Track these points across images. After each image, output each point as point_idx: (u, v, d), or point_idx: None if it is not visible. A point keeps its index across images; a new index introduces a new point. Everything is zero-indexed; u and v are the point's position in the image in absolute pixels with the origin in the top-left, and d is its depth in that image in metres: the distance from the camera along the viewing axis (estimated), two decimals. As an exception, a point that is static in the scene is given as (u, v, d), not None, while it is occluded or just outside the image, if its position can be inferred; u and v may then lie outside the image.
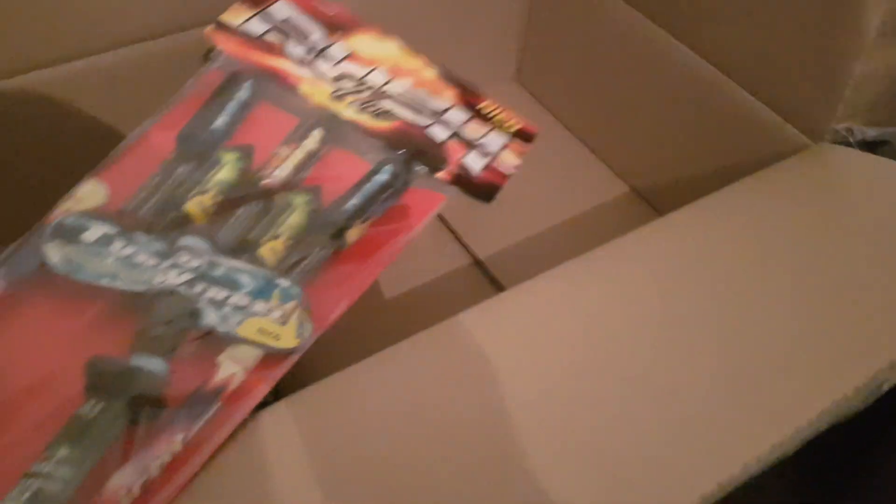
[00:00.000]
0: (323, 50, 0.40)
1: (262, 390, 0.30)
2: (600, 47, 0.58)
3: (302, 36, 0.40)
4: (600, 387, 0.33)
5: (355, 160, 0.37)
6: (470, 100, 0.41)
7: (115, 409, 0.27)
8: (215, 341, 0.30)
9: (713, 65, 0.50)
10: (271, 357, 0.30)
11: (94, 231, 0.31)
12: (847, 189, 0.41)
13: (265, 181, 0.35)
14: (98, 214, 0.31)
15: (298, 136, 0.36)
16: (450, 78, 0.41)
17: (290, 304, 0.31)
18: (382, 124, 0.38)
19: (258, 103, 0.38)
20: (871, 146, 0.67)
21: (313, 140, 0.36)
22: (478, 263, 0.54)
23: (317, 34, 0.40)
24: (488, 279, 0.54)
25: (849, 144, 0.66)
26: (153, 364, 0.28)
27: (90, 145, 0.50)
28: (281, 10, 0.40)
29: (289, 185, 0.35)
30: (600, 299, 0.36)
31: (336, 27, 0.41)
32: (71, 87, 0.49)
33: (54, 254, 0.29)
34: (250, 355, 0.30)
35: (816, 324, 0.35)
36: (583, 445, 0.31)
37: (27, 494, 0.25)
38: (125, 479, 0.26)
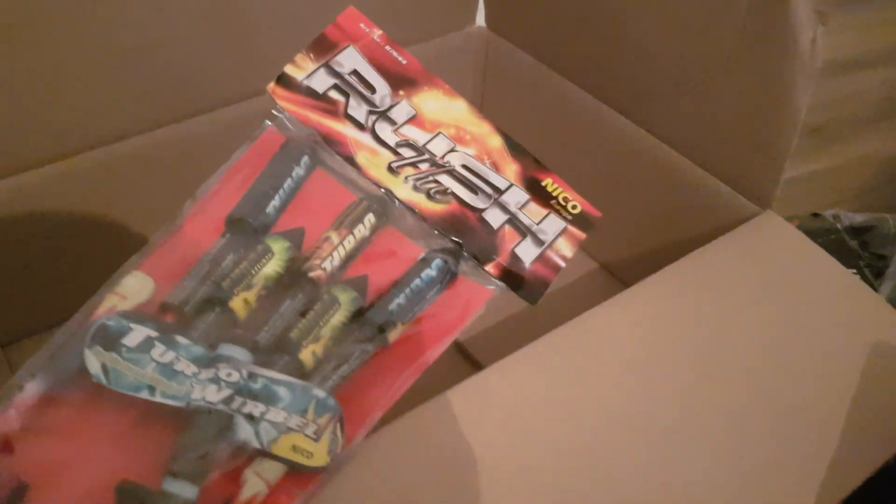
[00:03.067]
0: (387, 110, 0.38)
1: (290, 508, 0.31)
2: (549, 127, 0.59)
3: (366, 92, 0.38)
4: (580, 459, 0.35)
5: (406, 243, 0.37)
6: (533, 175, 0.39)
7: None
8: (246, 453, 0.31)
9: (662, 140, 0.52)
10: (300, 474, 0.32)
11: (136, 335, 0.31)
12: (776, 266, 0.45)
13: (313, 273, 0.35)
14: (140, 316, 0.32)
15: (351, 221, 0.36)
16: (515, 149, 0.39)
17: (325, 418, 0.32)
18: (437, 207, 0.37)
19: (314, 171, 0.37)
20: (858, 231, 0.67)
21: (365, 227, 0.36)
22: (456, 344, 0.56)
23: (382, 91, 0.38)
24: (466, 358, 0.56)
25: (836, 231, 0.65)
26: (185, 490, 0.30)
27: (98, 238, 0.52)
28: (348, 60, 0.38)
29: (336, 279, 0.35)
30: (573, 373, 0.38)
31: (403, 82, 0.39)
32: (76, 181, 0.50)
33: (94, 363, 0.30)
34: (277, 472, 0.31)
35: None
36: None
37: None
38: None
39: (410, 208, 0.37)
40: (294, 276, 0.35)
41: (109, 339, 0.31)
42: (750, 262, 0.44)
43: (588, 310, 0.41)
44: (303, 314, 0.34)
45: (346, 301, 0.35)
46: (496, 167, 0.39)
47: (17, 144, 0.47)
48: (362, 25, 0.39)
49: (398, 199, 0.37)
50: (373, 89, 0.38)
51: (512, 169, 0.39)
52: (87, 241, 0.52)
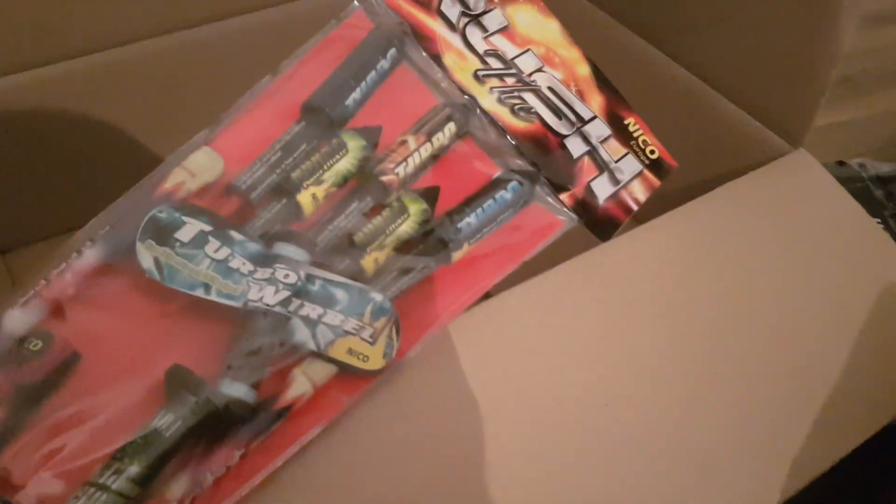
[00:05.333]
0: (479, 15, 0.36)
1: (336, 412, 0.30)
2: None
3: (461, -8, 0.35)
4: (588, 388, 0.34)
5: (483, 159, 0.35)
6: (616, 111, 0.37)
7: (190, 428, 0.27)
8: (298, 354, 0.30)
9: (692, 72, 0.49)
10: (352, 376, 0.30)
11: (189, 229, 0.29)
12: (801, 207, 0.43)
13: (385, 178, 0.32)
14: (193, 209, 0.29)
15: (431, 127, 0.34)
16: (602, 80, 0.37)
17: (381, 322, 0.31)
18: (520, 125, 0.35)
19: (398, 66, 0.34)
20: (884, 181, 0.66)
21: (445, 136, 0.34)
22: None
23: (477, -7, 0.36)
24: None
25: (861, 179, 0.64)
26: (240, 391, 0.28)
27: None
28: (446, -46, 0.35)
29: (407, 186, 0.33)
30: (582, 305, 0.37)
31: (499, -12, 0.36)
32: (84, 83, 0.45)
33: (146, 257, 0.28)
34: (325, 374, 0.30)
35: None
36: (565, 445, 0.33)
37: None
38: (177, 490, 0.27)
39: (493, 121, 0.35)
40: (365, 177, 0.33)
41: (162, 233, 0.28)
42: (775, 201, 0.42)
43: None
44: (368, 217, 0.32)
45: (415, 212, 0.33)
46: (581, 96, 0.37)
47: (37, 37, 0.43)
48: (462, -81, 0.36)
49: (482, 108, 0.35)
50: (468, -11, 0.36)
51: (597, 101, 0.37)
52: (100, 146, 0.48)
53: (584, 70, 0.37)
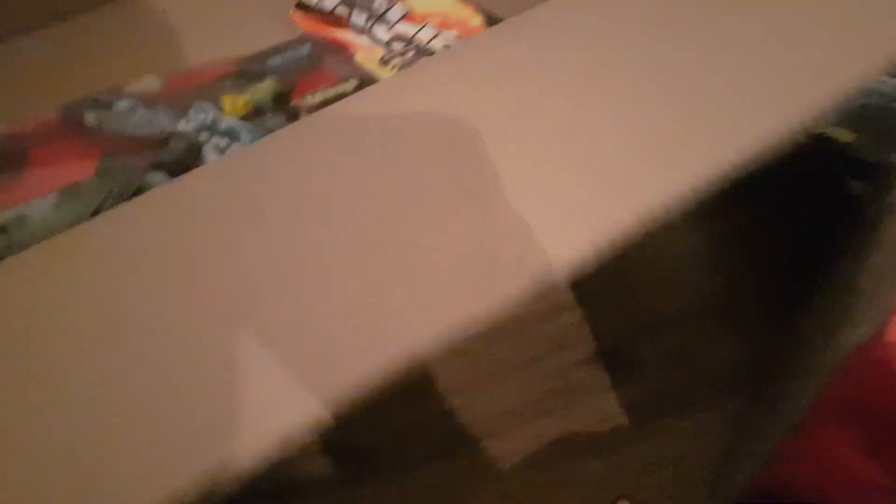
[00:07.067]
0: (382, 15, 0.43)
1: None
2: None
3: (367, 3, 0.44)
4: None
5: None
6: (510, 43, 0.40)
7: (111, 193, 0.36)
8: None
9: None
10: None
11: (123, 104, 0.39)
12: None
13: (295, 102, 0.40)
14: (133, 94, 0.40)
15: (339, 80, 0.41)
16: (493, 24, 0.41)
17: None
18: (413, 83, 0.41)
19: (317, 67, 0.43)
20: None
21: (349, 85, 0.41)
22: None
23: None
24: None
25: None
26: (160, 179, 0.36)
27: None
28: (354, -19, 0.44)
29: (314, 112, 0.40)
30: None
31: (399, -13, 0.44)
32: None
33: (90, 117, 0.39)
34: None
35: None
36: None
37: (15, 214, 0.35)
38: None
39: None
40: (278, 102, 0.40)
41: (101, 106, 0.39)
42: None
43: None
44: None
45: None
46: (475, 42, 0.41)
47: None
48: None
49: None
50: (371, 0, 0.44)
51: (489, 40, 0.41)
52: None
53: (476, 21, 0.42)
